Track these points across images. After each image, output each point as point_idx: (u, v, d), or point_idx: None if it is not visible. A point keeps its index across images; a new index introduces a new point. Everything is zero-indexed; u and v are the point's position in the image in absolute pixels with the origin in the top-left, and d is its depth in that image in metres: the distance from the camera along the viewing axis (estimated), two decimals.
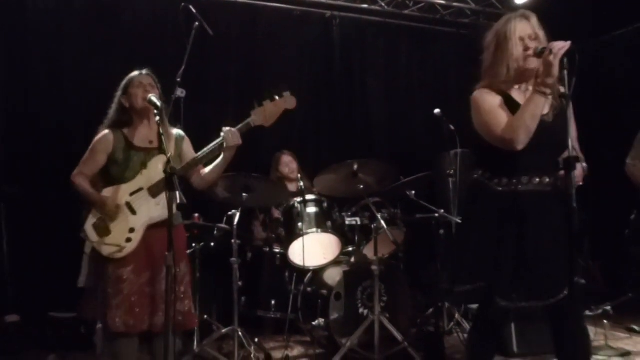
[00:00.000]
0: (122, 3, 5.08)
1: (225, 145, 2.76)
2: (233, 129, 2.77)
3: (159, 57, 4.90)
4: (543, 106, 2.20)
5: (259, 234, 4.66)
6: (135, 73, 2.86)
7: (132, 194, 2.72)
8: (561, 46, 2.11)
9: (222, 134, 2.77)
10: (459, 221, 3.79)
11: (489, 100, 2.30)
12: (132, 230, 2.69)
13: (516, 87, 2.35)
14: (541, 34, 2.30)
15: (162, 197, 2.69)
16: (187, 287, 2.79)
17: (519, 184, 2.27)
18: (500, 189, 2.30)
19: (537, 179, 2.28)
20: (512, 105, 2.29)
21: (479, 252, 2.28)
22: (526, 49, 2.26)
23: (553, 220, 2.23)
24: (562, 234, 2.14)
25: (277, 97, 2.81)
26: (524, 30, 2.28)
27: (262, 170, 3.88)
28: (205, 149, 2.80)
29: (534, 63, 2.26)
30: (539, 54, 2.19)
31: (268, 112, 2.79)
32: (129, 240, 2.67)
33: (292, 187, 4.67)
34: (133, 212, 2.71)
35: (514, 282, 2.22)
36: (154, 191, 2.71)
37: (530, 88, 2.31)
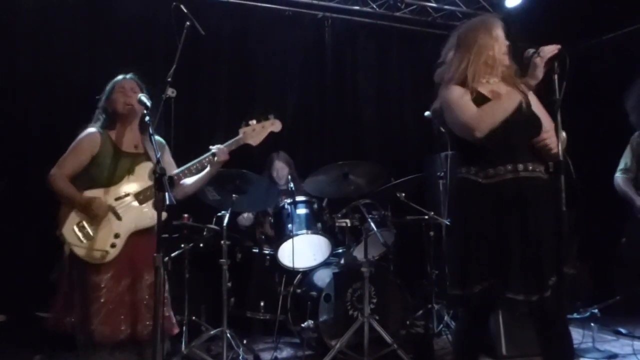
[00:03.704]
0: (113, 2, 5.05)
1: (216, 159, 2.79)
2: (222, 146, 2.83)
3: (149, 56, 4.89)
4: (516, 104, 2.27)
5: (245, 220, 4.61)
6: (119, 77, 2.85)
7: (117, 199, 2.68)
8: (550, 50, 2.14)
9: (213, 149, 2.81)
10: (448, 222, 3.79)
11: (457, 92, 2.37)
12: (117, 235, 2.64)
13: (484, 81, 2.41)
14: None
15: (151, 204, 2.67)
16: (167, 293, 2.74)
17: (507, 173, 2.30)
18: (489, 181, 2.31)
19: (523, 165, 2.30)
20: (483, 101, 2.34)
21: (481, 250, 2.27)
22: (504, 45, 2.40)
23: (545, 208, 2.24)
24: (552, 223, 2.16)
25: (262, 119, 2.93)
26: (500, 30, 2.42)
27: (252, 170, 3.87)
28: (193, 162, 2.81)
29: (508, 60, 2.39)
30: (530, 57, 2.22)
31: (256, 131, 2.90)
32: (113, 245, 2.62)
33: (283, 187, 4.66)
34: (118, 217, 2.67)
35: (521, 275, 2.22)
36: (141, 198, 2.69)
37: (498, 81, 2.41)
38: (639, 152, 4.04)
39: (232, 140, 2.86)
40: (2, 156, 4.55)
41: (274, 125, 2.95)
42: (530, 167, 2.31)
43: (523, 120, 2.31)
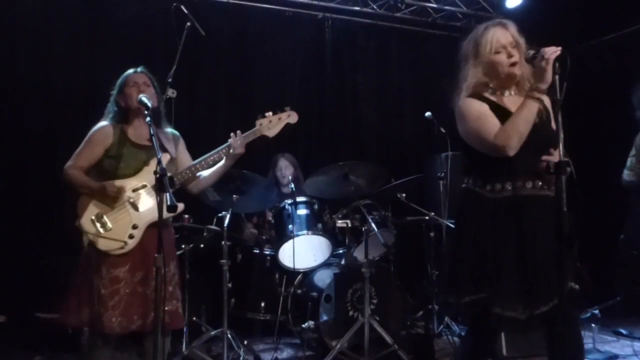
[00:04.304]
0: (112, 2, 5.05)
1: (231, 150, 2.78)
2: (240, 136, 2.80)
3: (149, 57, 4.88)
4: (535, 112, 2.21)
5: (248, 236, 4.65)
6: (130, 71, 2.85)
7: (134, 190, 2.70)
8: (552, 51, 2.12)
9: (230, 140, 2.80)
10: (452, 228, 3.78)
11: (476, 108, 2.29)
12: (135, 226, 2.66)
13: (498, 92, 2.35)
14: (521, 41, 2.32)
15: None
16: (176, 287, 2.77)
17: (513, 190, 2.26)
18: (495, 196, 2.27)
19: (531, 183, 2.27)
20: (498, 112, 2.28)
21: (480, 262, 2.24)
22: (509, 56, 2.28)
23: (549, 224, 2.22)
24: (555, 241, 2.14)
25: (278, 111, 2.91)
26: (504, 38, 2.30)
27: (254, 171, 3.87)
28: (210, 153, 2.81)
29: (519, 70, 2.28)
30: (531, 59, 2.20)
31: (272, 123, 2.88)
32: (131, 236, 2.64)
33: (286, 190, 4.66)
34: (135, 208, 2.68)
35: (515, 291, 2.20)
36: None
37: (513, 93, 2.34)
38: None
39: (249, 131, 2.84)
40: (1, 156, 4.55)
41: (291, 117, 2.93)
42: (540, 185, 2.27)
43: (539, 133, 2.24)
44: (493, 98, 2.33)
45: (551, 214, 2.18)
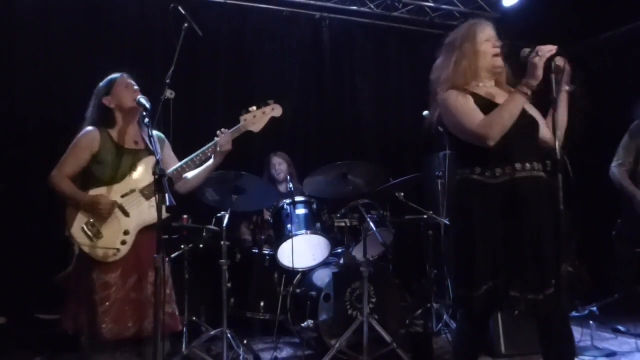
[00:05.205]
0: (111, 4, 5.05)
1: (218, 148, 2.78)
2: (226, 132, 2.81)
3: (148, 57, 4.89)
4: (522, 106, 2.26)
5: (244, 235, 4.66)
6: (117, 75, 2.82)
7: (123, 196, 2.66)
8: (548, 50, 2.15)
9: (216, 137, 2.80)
10: (452, 221, 3.77)
11: (460, 100, 2.34)
12: (126, 232, 2.63)
13: (481, 84, 2.41)
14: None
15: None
16: (171, 290, 2.78)
17: (514, 172, 2.29)
18: (497, 181, 2.30)
19: (529, 165, 2.30)
20: (480, 102, 2.33)
21: (486, 250, 2.26)
22: (495, 46, 2.39)
23: (548, 206, 2.24)
24: (554, 222, 2.16)
25: (262, 105, 2.91)
26: (490, 30, 2.43)
27: (252, 172, 3.88)
28: (197, 152, 2.81)
29: (502, 62, 2.40)
30: (526, 57, 2.23)
31: (257, 118, 2.89)
32: (124, 242, 2.62)
33: (282, 188, 4.68)
34: (126, 214, 2.66)
35: (526, 272, 2.23)
36: (146, 193, 2.67)
37: (492, 84, 2.43)
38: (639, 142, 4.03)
39: (234, 128, 2.85)
40: (1, 156, 4.56)
41: (275, 111, 2.92)
42: (534, 166, 2.32)
43: (526, 121, 2.31)
44: (474, 90, 2.38)
45: (549, 194, 2.22)
